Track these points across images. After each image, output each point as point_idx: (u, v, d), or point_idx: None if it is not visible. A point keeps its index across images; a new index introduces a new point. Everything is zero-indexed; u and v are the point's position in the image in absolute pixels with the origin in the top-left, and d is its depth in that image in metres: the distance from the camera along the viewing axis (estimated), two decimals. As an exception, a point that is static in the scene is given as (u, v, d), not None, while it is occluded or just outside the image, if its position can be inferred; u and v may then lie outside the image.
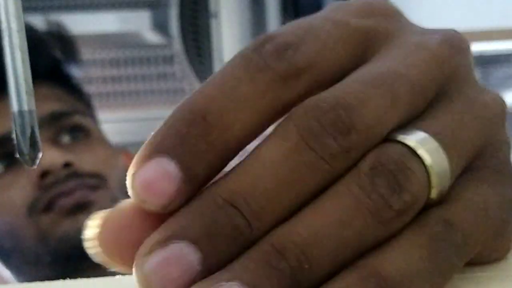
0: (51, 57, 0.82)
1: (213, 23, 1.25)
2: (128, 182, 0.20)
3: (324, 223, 0.19)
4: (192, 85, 1.25)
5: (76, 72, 0.86)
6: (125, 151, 0.90)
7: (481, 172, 0.22)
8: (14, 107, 0.29)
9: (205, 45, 1.25)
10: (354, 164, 0.20)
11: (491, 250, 0.23)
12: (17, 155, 0.29)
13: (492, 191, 0.22)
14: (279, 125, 0.20)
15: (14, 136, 0.29)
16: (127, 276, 0.23)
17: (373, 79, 0.21)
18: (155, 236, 0.19)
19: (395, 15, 0.24)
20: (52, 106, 0.78)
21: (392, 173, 0.20)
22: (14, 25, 0.29)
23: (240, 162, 0.20)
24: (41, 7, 1.23)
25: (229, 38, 1.25)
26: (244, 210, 0.19)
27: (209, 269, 0.19)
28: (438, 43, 0.23)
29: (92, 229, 0.20)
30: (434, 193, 0.21)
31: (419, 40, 0.23)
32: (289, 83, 0.21)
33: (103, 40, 1.25)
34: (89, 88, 1.26)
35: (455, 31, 0.24)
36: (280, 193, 0.20)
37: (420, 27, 0.25)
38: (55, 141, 0.77)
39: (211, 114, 0.20)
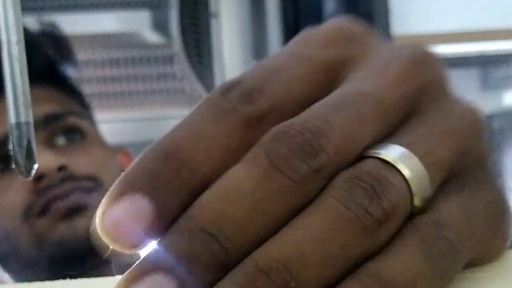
0: (45, 58, 0.82)
1: (213, 23, 1.25)
2: (98, 221, 0.20)
3: (307, 239, 0.20)
4: (192, 84, 1.25)
5: (72, 72, 0.86)
6: (123, 151, 0.90)
7: (462, 180, 0.23)
8: (12, 118, 0.29)
9: (205, 45, 1.25)
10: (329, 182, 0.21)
11: (486, 251, 0.24)
12: (13, 166, 0.29)
13: (475, 195, 0.23)
14: (249, 152, 0.21)
15: (10, 147, 0.29)
16: None
17: (337, 102, 0.22)
18: (132, 269, 0.20)
19: (362, 38, 0.25)
20: (47, 108, 0.78)
21: (369, 183, 0.20)
22: (13, 38, 0.29)
23: (211, 188, 0.20)
24: (41, 7, 1.23)
25: (229, 38, 1.25)
26: (219, 236, 0.20)
27: None
28: (403, 60, 0.24)
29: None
30: (417, 200, 0.21)
31: (385, 60, 0.24)
32: (254, 125, 0.21)
33: (103, 40, 1.25)
34: (89, 88, 1.26)
35: (422, 46, 0.25)
36: (254, 219, 0.20)
37: (388, 46, 0.25)
38: (49, 144, 0.76)
39: (183, 153, 0.21)
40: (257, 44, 1.26)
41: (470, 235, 0.22)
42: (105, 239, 0.20)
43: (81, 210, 0.73)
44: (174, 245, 0.20)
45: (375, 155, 0.21)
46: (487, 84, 1.34)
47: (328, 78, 0.23)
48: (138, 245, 0.20)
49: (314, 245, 0.19)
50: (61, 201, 0.73)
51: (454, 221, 0.21)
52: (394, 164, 0.21)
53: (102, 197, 0.72)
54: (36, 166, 0.29)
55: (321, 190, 0.20)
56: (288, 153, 0.20)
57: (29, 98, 0.30)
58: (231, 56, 1.25)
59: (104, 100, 1.26)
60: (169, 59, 1.25)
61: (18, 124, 0.29)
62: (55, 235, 0.73)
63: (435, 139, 0.22)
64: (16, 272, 0.78)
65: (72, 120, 0.78)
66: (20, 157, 0.29)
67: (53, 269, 0.73)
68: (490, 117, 1.32)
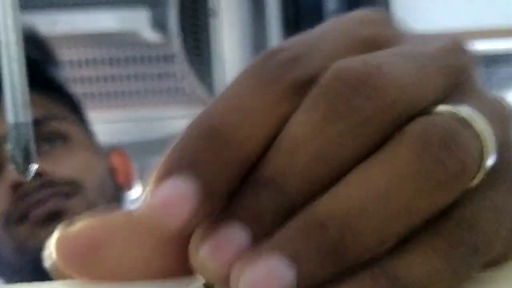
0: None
1: (213, 22, 1.25)
2: (145, 201, 0.19)
3: (370, 193, 0.19)
4: (191, 84, 1.25)
5: (55, 73, 0.86)
6: (117, 151, 0.90)
7: (498, 174, 0.22)
8: (10, 119, 0.29)
9: (204, 44, 1.25)
10: (397, 130, 0.19)
11: (508, 254, 0.23)
12: (12, 165, 0.29)
13: (509, 195, 0.21)
14: (307, 96, 0.20)
15: (8, 147, 0.29)
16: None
17: (397, 51, 0.21)
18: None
19: (394, 26, 0.24)
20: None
21: (447, 135, 0.19)
22: (12, 38, 0.29)
23: (275, 142, 0.20)
24: (39, 5, 1.23)
25: (228, 37, 1.26)
26: (285, 188, 0.19)
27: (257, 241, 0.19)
28: (449, 40, 0.23)
29: (49, 249, 0.21)
30: (479, 176, 0.20)
31: (426, 39, 0.23)
32: (300, 92, 0.20)
33: (102, 38, 1.25)
34: (88, 87, 1.26)
35: (459, 37, 0.24)
36: (317, 167, 0.19)
37: (420, 35, 0.25)
38: None
39: (226, 130, 0.20)
40: (257, 43, 1.26)
41: (498, 237, 0.21)
42: (152, 220, 0.19)
43: (60, 215, 0.74)
44: (240, 198, 0.19)
45: (451, 110, 0.20)
46: (489, 84, 1.34)
47: (368, 52, 0.22)
48: (186, 225, 0.19)
49: (377, 200, 0.19)
50: (39, 208, 0.74)
51: (485, 222, 0.20)
52: (471, 121, 0.20)
53: (83, 201, 0.73)
54: (34, 165, 0.29)
55: (391, 136, 0.19)
56: (349, 91, 0.19)
57: (27, 98, 0.29)
58: (230, 55, 1.25)
59: (103, 99, 1.26)
60: (168, 58, 1.25)
61: (17, 125, 0.28)
62: (35, 242, 0.74)
63: (488, 114, 0.21)
64: (4, 279, 0.78)
65: (54, 125, 0.79)
66: (19, 157, 0.29)
67: (38, 275, 0.73)
68: None
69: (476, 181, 0.20)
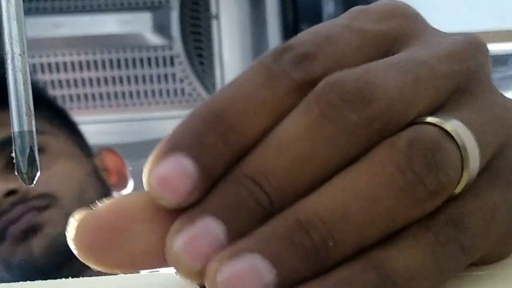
0: None
1: (214, 24, 1.25)
2: (145, 177, 0.20)
3: (353, 198, 0.19)
4: (192, 85, 1.26)
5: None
6: (109, 150, 0.89)
7: (495, 174, 0.22)
8: (15, 127, 0.30)
9: (205, 46, 1.25)
10: (382, 140, 0.20)
11: (498, 253, 0.23)
12: (16, 173, 0.30)
13: (503, 195, 0.22)
14: (302, 101, 0.21)
15: (13, 155, 0.30)
16: (128, 276, 0.24)
17: (393, 62, 0.21)
18: (183, 215, 0.19)
19: (415, 18, 0.24)
20: (3, 133, 0.78)
21: (430, 151, 0.19)
22: (16, 49, 0.30)
23: (263, 139, 0.20)
24: (44, 9, 1.24)
25: (229, 40, 1.26)
26: (265, 186, 0.19)
27: (234, 241, 0.19)
28: (459, 40, 0.23)
29: (71, 230, 0.20)
30: (463, 181, 0.20)
31: (440, 38, 0.23)
32: (305, 91, 0.21)
33: (105, 41, 1.25)
34: (91, 89, 1.26)
35: (476, 35, 0.24)
36: (300, 169, 0.19)
37: (440, 31, 0.25)
38: (3, 170, 0.77)
39: (230, 116, 0.20)
40: (257, 46, 1.26)
41: (488, 237, 0.21)
42: (152, 195, 0.20)
43: (36, 230, 0.75)
44: (221, 192, 0.19)
45: (437, 123, 0.20)
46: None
47: (381, 51, 0.23)
48: (182, 203, 0.19)
49: (360, 206, 0.19)
50: (15, 225, 0.75)
51: (474, 222, 0.21)
52: (454, 135, 0.20)
53: (58, 211, 0.73)
54: (38, 173, 0.30)
55: (375, 145, 0.20)
56: (339, 101, 0.20)
57: (31, 107, 0.31)
58: (231, 57, 1.25)
59: (105, 100, 1.26)
60: (170, 61, 1.25)
61: (21, 133, 0.30)
62: (17, 259, 0.75)
63: (484, 124, 0.22)
64: None
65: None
66: (23, 165, 0.30)
67: None
68: None
69: (459, 188, 0.21)
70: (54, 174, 0.78)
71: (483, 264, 0.23)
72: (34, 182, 0.29)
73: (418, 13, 0.25)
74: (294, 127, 0.20)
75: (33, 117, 0.31)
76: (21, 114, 0.31)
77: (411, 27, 0.24)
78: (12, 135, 0.29)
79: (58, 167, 0.79)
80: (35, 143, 0.29)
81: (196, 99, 1.24)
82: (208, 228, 0.19)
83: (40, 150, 0.78)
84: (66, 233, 0.20)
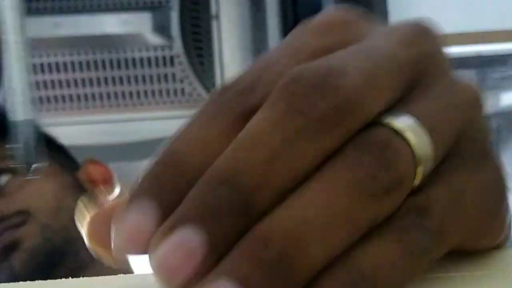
0: None
1: (214, 24, 1.26)
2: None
3: (309, 206, 0.19)
4: (192, 85, 1.26)
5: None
6: (91, 161, 0.90)
7: (459, 159, 0.22)
8: (15, 116, 0.30)
9: (205, 46, 1.26)
10: (352, 131, 0.20)
11: (478, 236, 0.23)
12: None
13: (470, 177, 0.22)
14: (268, 99, 0.20)
15: (13, 145, 0.30)
16: (128, 276, 0.24)
17: (353, 50, 0.21)
18: (162, 227, 0.19)
19: (357, 25, 0.24)
20: None
21: (379, 151, 0.20)
22: (17, 39, 0.30)
23: (234, 140, 0.20)
24: (44, 9, 1.24)
25: (229, 40, 1.26)
26: (239, 186, 0.19)
27: (216, 250, 0.19)
28: (408, 27, 0.23)
29: (83, 227, 0.21)
30: (418, 176, 0.21)
31: (387, 30, 0.24)
32: (251, 118, 0.21)
33: (105, 41, 1.25)
34: (91, 89, 1.26)
35: (423, 20, 0.24)
36: (274, 165, 0.19)
37: (386, 26, 0.25)
38: None
39: (178, 158, 0.20)
40: (257, 45, 1.27)
41: (458, 220, 0.21)
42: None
43: (14, 246, 0.78)
44: (197, 198, 0.19)
45: (388, 123, 0.21)
46: (484, 85, 1.35)
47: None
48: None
49: (317, 212, 0.19)
50: None
51: (440, 206, 0.21)
52: (404, 135, 0.20)
53: (35, 225, 0.76)
54: (35, 164, 0.31)
55: (347, 136, 0.20)
56: (304, 91, 0.20)
57: (30, 97, 0.31)
58: (231, 57, 1.25)
59: (105, 100, 1.27)
60: (170, 60, 1.25)
61: (22, 122, 0.30)
62: (1, 277, 0.77)
63: (440, 113, 0.22)
64: None
65: (3, 164, 0.79)
66: (23, 155, 0.30)
67: None
68: (488, 117, 1.31)
69: (417, 181, 0.21)
70: (27, 192, 0.82)
71: (471, 249, 0.23)
72: (30, 172, 0.29)
73: (360, 18, 0.25)
74: (262, 123, 0.20)
75: (32, 106, 0.31)
76: (21, 103, 0.31)
77: (353, 35, 0.23)
78: (12, 125, 0.30)
79: (31, 185, 0.82)
80: (35, 133, 0.30)
81: (196, 99, 1.24)
82: (185, 238, 0.18)
83: (14, 171, 0.81)
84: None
